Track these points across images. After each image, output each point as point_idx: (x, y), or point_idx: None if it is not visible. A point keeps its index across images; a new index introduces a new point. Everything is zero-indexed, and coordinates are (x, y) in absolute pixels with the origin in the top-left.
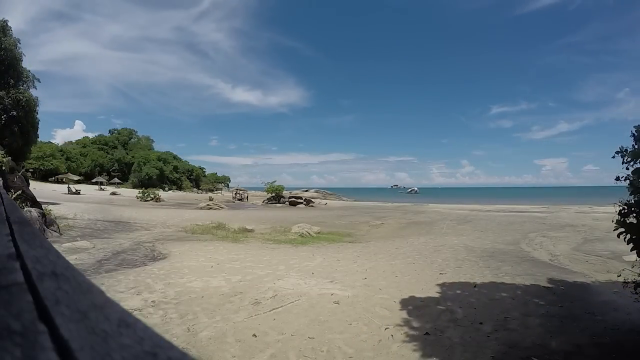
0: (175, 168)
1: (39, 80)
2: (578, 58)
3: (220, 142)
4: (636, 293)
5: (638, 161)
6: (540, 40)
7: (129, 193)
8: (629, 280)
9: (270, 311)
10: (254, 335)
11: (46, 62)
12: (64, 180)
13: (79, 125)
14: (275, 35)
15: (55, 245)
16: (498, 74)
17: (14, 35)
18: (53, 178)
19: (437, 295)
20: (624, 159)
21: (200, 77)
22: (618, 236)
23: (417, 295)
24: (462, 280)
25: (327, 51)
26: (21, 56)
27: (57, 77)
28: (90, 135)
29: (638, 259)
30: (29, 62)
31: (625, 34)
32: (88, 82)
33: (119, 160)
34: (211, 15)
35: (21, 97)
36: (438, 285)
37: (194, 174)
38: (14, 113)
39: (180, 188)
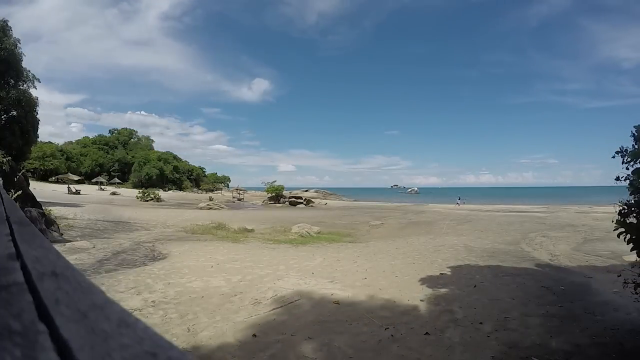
0: (176, 168)
1: (39, 80)
2: None
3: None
4: (636, 293)
5: (638, 161)
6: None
7: (129, 193)
8: (629, 280)
9: (270, 311)
10: (254, 335)
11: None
12: (64, 180)
13: None
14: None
15: (55, 245)
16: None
17: (14, 35)
18: (53, 178)
19: (437, 295)
20: (624, 159)
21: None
22: (618, 236)
23: (417, 295)
24: (462, 280)
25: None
26: (21, 56)
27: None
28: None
29: (638, 259)
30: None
31: None
32: None
33: (119, 160)
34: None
35: (21, 97)
36: (438, 285)
37: (194, 174)
38: (14, 113)
39: (180, 188)
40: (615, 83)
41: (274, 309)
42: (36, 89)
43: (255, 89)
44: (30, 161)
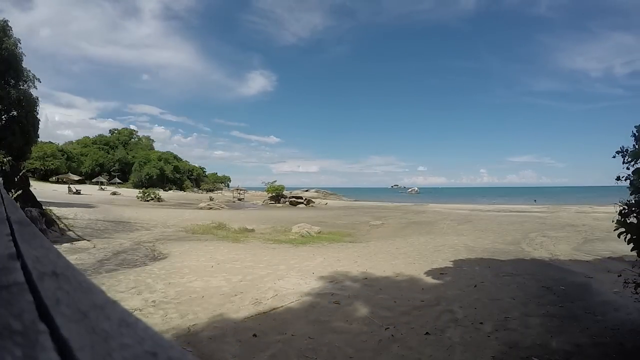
0: (176, 168)
1: (39, 80)
2: None
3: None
4: (637, 293)
5: (638, 161)
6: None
7: (130, 193)
8: (630, 280)
9: (270, 311)
10: (254, 335)
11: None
12: (64, 180)
13: None
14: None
15: (56, 245)
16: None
17: (14, 35)
18: (54, 178)
19: (437, 295)
20: (624, 159)
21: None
22: (619, 236)
23: (417, 295)
24: (462, 280)
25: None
26: (22, 56)
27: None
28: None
29: (638, 259)
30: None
31: None
32: None
33: (120, 160)
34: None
35: (22, 97)
36: (438, 285)
37: (194, 174)
38: (14, 113)
39: (181, 188)
40: (592, 88)
41: (274, 309)
42: (36, 88)
43: (255, 88)
44: (31, 161)
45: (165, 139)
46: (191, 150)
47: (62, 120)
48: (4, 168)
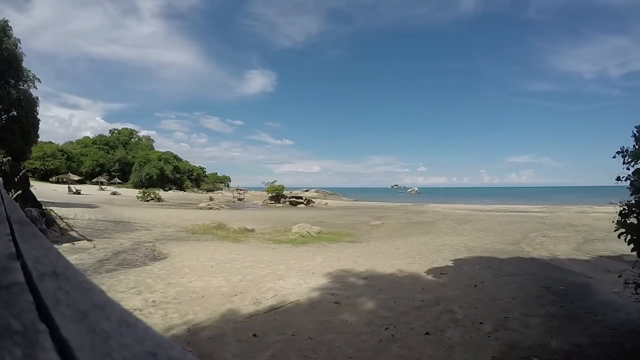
0: (176, 168)
1: (39, 80)
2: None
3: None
4: (637, 293)
5: (638, 161)
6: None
7: (130, 193)
8: (630, 281)
9: (270, 311)
10: (254, 335)
11: None
12: (64, 180)
13: None
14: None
15: (56, 245)
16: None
17: (14, 35)
18: (54, 178)
19: (437, 295)
20: (624, 160)
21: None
22: (619, 237)
23: (418, 295)
24: (462, 280)
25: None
26: (22, 56)
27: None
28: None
29: (638, 259)
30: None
31: None
32: None
33: (120, 160)
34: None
35: (22, 97)
36: (438, 285)
37: (194, 174)
38: (14, 113)
39: (181, 188)
40: (587, 89)
41: (274, 308)
42: (36, 88)
43: (255, 88)
44: (31, 161)
45: (182, 140)
46: (203, 150)
47: (81, 124)
48: (4, 168)
